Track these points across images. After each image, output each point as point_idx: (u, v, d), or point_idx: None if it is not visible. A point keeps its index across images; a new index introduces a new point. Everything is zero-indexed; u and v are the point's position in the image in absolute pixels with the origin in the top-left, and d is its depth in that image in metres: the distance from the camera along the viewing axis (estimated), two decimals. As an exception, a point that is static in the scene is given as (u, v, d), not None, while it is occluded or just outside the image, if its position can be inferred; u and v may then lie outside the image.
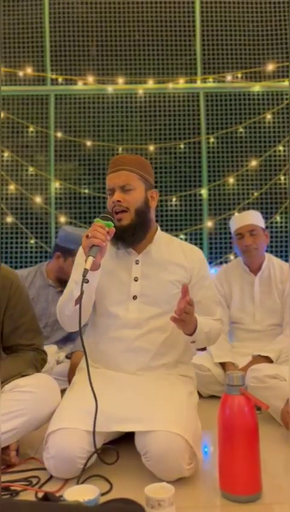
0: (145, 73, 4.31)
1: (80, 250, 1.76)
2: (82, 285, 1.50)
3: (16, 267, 3.87)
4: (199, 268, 1.84)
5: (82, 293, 1.51)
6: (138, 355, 1.74)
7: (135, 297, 1.77)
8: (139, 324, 1.75)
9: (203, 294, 1.84)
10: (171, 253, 1.84)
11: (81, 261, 1.67)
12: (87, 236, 1.58)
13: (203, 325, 1.70)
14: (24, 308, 1.80)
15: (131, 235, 1.76)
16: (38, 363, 1.82)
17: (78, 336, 2.54)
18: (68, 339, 2.68)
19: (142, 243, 1.81)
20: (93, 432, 1.49)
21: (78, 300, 1.51)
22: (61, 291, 2.61)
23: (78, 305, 1.52)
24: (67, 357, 2.58)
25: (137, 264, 1.80)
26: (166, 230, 3.56)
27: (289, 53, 4.23)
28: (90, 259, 1.54)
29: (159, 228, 1.90)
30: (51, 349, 2.53)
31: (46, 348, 2.47)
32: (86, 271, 1.51)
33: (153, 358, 1.74)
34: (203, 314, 1.83)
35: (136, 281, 1.78)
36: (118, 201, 1.73)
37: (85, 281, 1.51)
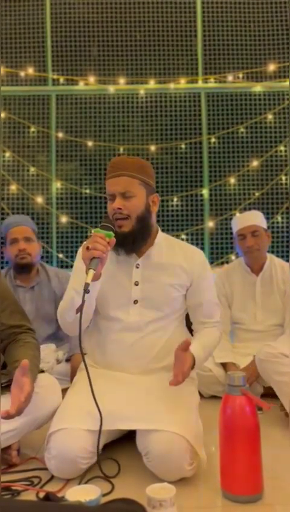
0: (146, 73, 4.31)
1: (79, 252, 1.74)
2: (83, 295, 1.49)
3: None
4: (199, 271, 1.82)
5: (83, 302, 1.50)
6: (139, 358, 1.73)
7: (135, 302, 1.76)
8: (140, 327, 1.74)
9: (203, 297, 1.83)
10: (172, 256, 1.82)
11: (79, 265, 1.66)
12: (87, 248, 1.54)
13: (201, 357, 1.68)
14: (4, 293, 1.80)
15: (131, 243, 1.73)
16: (38, 348, 1.81)
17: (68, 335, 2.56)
18: (55, 337, 2.65)
19: (142, 246, 1.79)
20: (98, 438, 1.49)
21: (79, 309, 1.51)
22: (32, 288, 2.62)
23: (79, 313, 1.51)
24: (66, 360, 2.58)
25: (137, 268, 1.78)
26: (167, 231, 3.55)
27: (290, 53, 4.23)
28: (91, 272, 1.51)
29: (159, 230, 1.87)
30: (49, 348, 2.52)
31: (44, 346, 2.48)
32: (87, 285, 1.49)
33: (154, 361, 1.74)
34: (203, 316, 1.85)
35: (136, 285, 1.77)
36: (119, 208, 1.70)
37: (86, 292, 1.49)
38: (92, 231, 1.62)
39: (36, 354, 1.73)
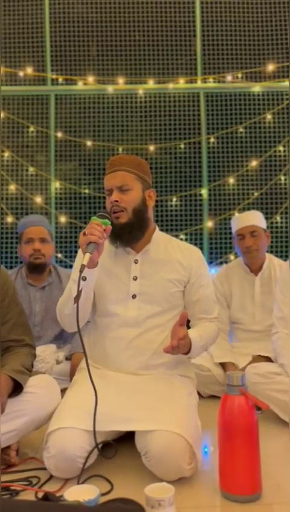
0: (145, 73, 4.31)
1: (79, 252, 1.77)
2: (79, 281, 1.52)
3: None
4: (197, 267, 1.86)
5: (80, 290, 1.52)
6: (138, 354, 1.74)
7: (134, 296, 1.78)
8: (138, 323, 1.76)
9: (201, 293, 1.85)
10: (170, 253, 1.86)
11: (79, 263, 1.68)
12: (84, 233, 1.59)
13: (197, 342, 1.69)
14: (11, 304, 1.79)
15: (128, 233, 1.77)
16: (33, 358, 1.81)
17: (73, 335, 2.58)
18: (61, 337, 2.67)
19: (140, 242, 1.83)
20: (94, 425, 1.49)
21: (76, 298, 1.52)
22: (43, 287, 2.65)
23: (76, 304, 1.53)
24: (67, 358, 2.58)
25: (136, 263, 1.81)
26: (166, 231, 3.55)
27: (289, 53, 4.23)
28: (87, 255, 1.55)
29: (157, 228, 1.91)
30: (50, 349, 2.53)
31: (44, 347, 2.50)
32: (83, 266, 1.52)
33: (153, 357, 1.75)
34: (201, 312, 1.86)
35: (135, 280, 1.80)
36: (116, 201, 1.75)
37: (83, 278, 1.52)
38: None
39: (25, 362, 1.71)
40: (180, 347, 1.60)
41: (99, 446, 1.52)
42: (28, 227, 2.66)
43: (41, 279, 2.69)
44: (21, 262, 2.79)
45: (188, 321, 1.92)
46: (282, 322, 2.15)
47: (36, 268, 2.64)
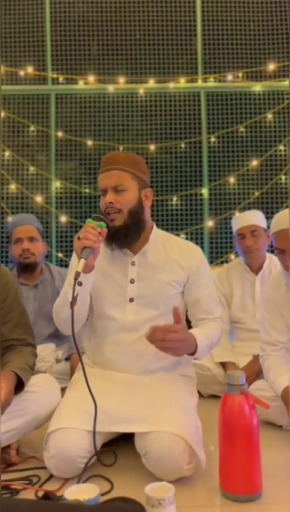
0: (146, 72, 4.31)
1: (74, 254, 1.74)
2: (74, 287, 1.48)
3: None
4: (196, 266, 1.80)
5: (75, 296, 1.49)
6: (136, 359, 1.72)
7: (131, 300, 1.74)
8: (137, 327, 1.72)
9: (200, 293, 1.79)
10: (168, 253, 1.80)
11: (75, 263, 1.66)
12: (78, 238, 1.54)
13: (203, 340, 1.63)
14: (13, 303, 1.78)
15: (124, 236, 1.72)
16: (34, 358, 1.81)
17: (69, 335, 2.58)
18: (56, 336, 2.66)
19: (137, 243, 1.77)
20: (94, 435, 1.49)
21: (72, 304, 1.49)
22: (36, 286, 2.65)
23: (72, 309, 1.50)
24: (66, 359, 2.58)
25: (133, 265, 1.77)
26: (166, 230, 3.54)
27: (290, 53, 4.23)
28: (82, 261, 1.50)
29: (155, 226, 1.85)
30: (49, 348, 2.52)
31: (44, 346, 2.49)
32: (77, 274, 1.48)
33: (152, 361, 1.72)
34: (202, 313, 1.80)
35: (132, 283, 1.75)
36: (111, 202, 1.69)
37: (78, 283, 1.48)
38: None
39: (28, 361, 1.71)
40: (173, 345, 1.53)
41: (99, 452, 1.52)
42: (16, 227, 2.65)
43: (33, 277, 2.68)
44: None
45: (189, 322, 1.90)
46: (275, 347, 2.03)
47: (27, 268, 2.64)
